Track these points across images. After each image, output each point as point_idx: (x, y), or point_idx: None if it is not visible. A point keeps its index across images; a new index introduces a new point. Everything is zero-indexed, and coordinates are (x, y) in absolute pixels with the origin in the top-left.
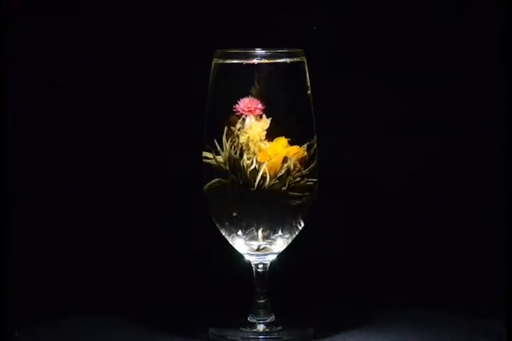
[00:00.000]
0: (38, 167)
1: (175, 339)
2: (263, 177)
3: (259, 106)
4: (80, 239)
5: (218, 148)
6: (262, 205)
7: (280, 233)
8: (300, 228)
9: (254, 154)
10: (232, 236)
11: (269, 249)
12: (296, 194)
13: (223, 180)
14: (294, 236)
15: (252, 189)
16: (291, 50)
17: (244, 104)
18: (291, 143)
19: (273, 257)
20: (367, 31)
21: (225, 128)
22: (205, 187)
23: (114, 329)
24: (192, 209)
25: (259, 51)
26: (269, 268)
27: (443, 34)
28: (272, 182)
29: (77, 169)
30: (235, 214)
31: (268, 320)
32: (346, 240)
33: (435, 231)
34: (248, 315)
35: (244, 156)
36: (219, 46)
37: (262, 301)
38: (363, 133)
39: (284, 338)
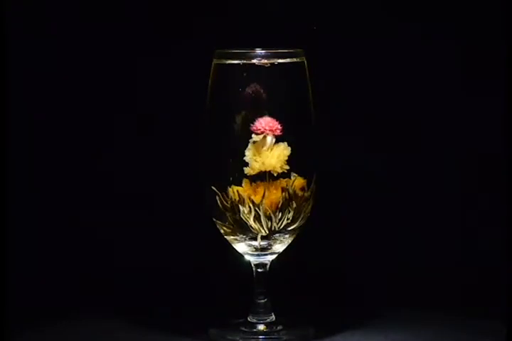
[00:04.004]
0: (37, 168)
1: (175, 339)
2: (269, 218)
3: (279, 126)
4: (80, 239)
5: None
6: None
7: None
8: (300, 228)
9: (251, 201)
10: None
11: (270, 249)
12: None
13: (233, 227)
14: (294, 236)
15: (263, 234)
16: (291, 50)
17: (266, 122)
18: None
19: (273, 257)
20: (367, 31)
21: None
22: (216, 223)
23: (114, 329)
24: (192, 209)
25: (259, 51)
26: (269, 268)
27: (443, 33)
28: (282, 222)
29: (77, 168)
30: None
31: (268, 320)
32: (346, 240)
33: (435, 231)
34: (248, 315)
35: (241, 209)
36: (219, 46)
37: (262, 301)
38: (363, 133)
39: (284, 338)
